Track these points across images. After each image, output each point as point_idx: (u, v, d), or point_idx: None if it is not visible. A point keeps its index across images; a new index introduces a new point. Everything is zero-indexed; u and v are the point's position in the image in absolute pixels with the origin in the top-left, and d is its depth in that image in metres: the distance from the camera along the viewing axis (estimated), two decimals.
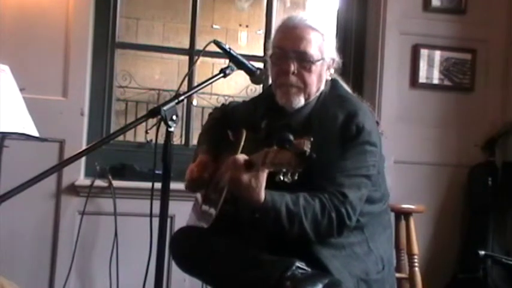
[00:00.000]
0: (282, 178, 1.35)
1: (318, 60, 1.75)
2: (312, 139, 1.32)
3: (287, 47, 1.75)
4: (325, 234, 1.62)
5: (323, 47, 1.77)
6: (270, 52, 1.83)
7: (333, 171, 1.64)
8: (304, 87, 1.76)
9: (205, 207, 1.88)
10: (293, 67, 1.74)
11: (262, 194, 1.51)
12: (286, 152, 1.34)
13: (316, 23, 1.77)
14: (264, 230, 1.61)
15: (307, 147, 1.29)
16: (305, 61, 1.74)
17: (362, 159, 1.68)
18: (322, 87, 1.82)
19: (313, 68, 1.75)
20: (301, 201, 1.57)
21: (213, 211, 1.75)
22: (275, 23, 2.83)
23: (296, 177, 1.33)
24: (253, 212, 1.53)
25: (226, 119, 2.07)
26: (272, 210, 1.53)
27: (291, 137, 1.34)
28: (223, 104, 2.26)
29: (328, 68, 1.82)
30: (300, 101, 1.77)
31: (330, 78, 1.85)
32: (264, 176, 1.49)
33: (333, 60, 1.83)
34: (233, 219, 1.68)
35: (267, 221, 1.54)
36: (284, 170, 1.34)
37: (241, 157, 1.54)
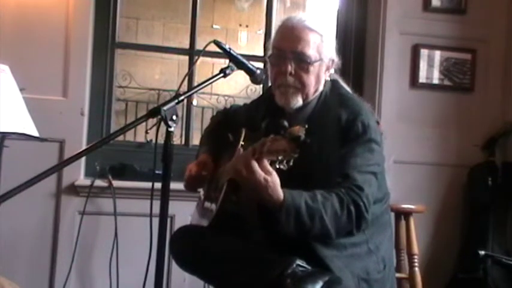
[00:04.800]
0: (278, 166, 1.39)
1: (316, 61, 1.75)
2: (306, 126, 1.36)
3: (285, 48, 1.76)
4: (345, 229, 1.60)
5: (321, 47, 1.77)
6: (269, 53, 1.83)
7: (345, 168, 1.63)
8: (301, 88, 1.76)
9: (207, 204, 1.89)
10: (290, 68, 1.74)
11: (281, 192, 1.50)
12: (282, 139, 1.38)
13: (314, 23, 1.77)
14: (284, 230, 1.53)
15: (301, 133, 1.34)
16: (302, 62, 1.74)
17: (370, 156, 1.68)
18: (321, 88, 1.82)
19: (311, 68, 1.75)
20: (319, 197, 1.55)
21: (214, 207, 1.75)
22: (275, 23, 2.83)
23: (291, 164, 1.37)
24: (272, 213, 1.50)
25: (227, 122, 2.08)
26: (292, 208, 1.50)
27: (286, 123, 1.40)
28: (225, 108, 2.27)
29: (328, 69, 1.82)
30: (298, 101, 1.78)
31: (329, 78, 1.85)
32: (275, 174, 1.48)
33: (332, 61, 1.83)
34: (234, 218, 1.69)
35: (288, 220, 1.50)
36: (280, 157, 1.37)
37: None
